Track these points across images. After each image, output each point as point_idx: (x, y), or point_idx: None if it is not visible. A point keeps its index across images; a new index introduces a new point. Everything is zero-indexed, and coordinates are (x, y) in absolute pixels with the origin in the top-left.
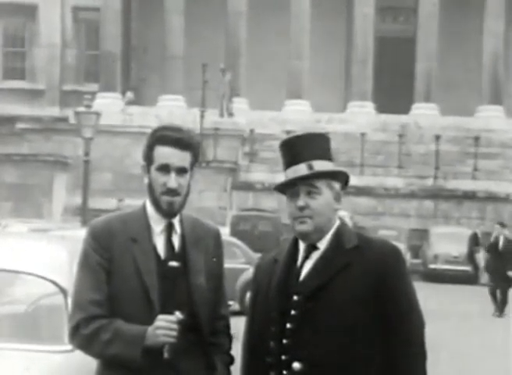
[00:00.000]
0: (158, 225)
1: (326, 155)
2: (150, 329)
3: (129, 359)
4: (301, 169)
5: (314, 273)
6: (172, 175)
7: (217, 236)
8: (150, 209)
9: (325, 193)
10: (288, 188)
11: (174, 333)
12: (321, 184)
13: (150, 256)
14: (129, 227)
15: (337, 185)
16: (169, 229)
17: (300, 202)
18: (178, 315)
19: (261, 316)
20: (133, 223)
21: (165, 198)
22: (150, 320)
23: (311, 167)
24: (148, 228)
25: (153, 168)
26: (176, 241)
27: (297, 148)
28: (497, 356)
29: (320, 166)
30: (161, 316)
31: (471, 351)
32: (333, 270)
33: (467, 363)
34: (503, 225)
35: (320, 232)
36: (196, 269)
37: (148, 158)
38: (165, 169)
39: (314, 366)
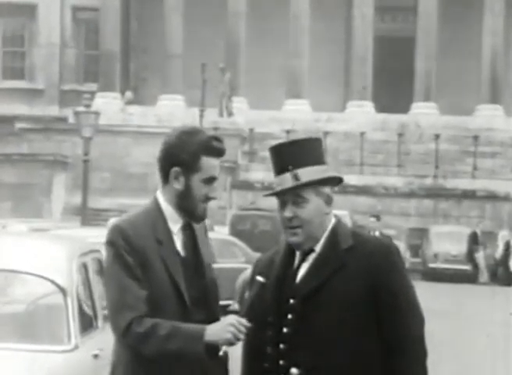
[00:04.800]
0: (174, 225)
1: (314, 160)
2: (214, 325)
3: (192, 353)
4: (286, 180)
5: (310, 276)
6: (215, 186)
7: (206, 228)
8: (167, 210)
9: (313, 200)
10: (277, 197)
11: (241, 336)
12: (308, 193)
13: (175, 257)
14: (154, 228)
15: (327, 189)
16: (189, 228)
17: (287, 213)
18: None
19: (258, 320)
20: (156, 224)
21: (202, 206)
22: (184, 320)
23: (296, 177)
24: (168, 229)
25: (197, 177)
26: (189, 239)
27: (282, 156)
28: (497, 355)
29: (306, 173)
30: (234, 316)
31: (470, 350)
32: (329, 272)
33: (466, 362)
34: (378, 218)
35: (312, 239)
36: (207, 265)
37: (191, 166)
38: (211, 180)
39: (312, 371)
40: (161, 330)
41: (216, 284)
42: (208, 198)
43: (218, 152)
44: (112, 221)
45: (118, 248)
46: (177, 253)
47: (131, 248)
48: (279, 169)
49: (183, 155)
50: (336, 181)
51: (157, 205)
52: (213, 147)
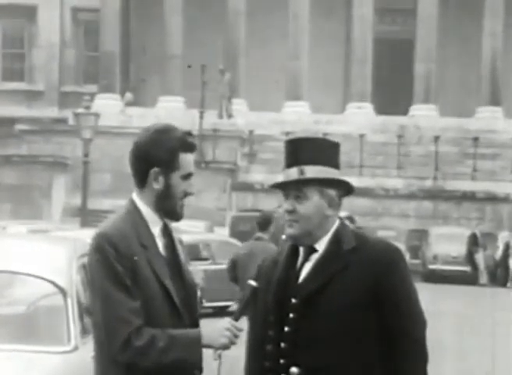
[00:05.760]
0: (155, 227)
1: (324, 161)
2: (208, 329)
3: (190, 361)
4: (292, 174)
5: (312, 276)
6: (192, 181)
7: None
8: (147, 213)
9: (315, 199)
10: (281, 190)
11: (236, 341)
12: (311, 190)
13: (161, 260)
14: (138, 233)
15: (332, 192)
16: (167, 230)
17: (287, 206)
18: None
19: (260, 319)
20: (139, 229)
21: (181, 203)
22: (177, 323)
23: (301, 172)
24: (150, 233)
25: (177, 175)
26: (168, 241)
27: (294, 150)
28: (496, 356)
29: (312, 171)
30: (229, 320)
31: (470, 352)
32: (331, 273)
33: (466, 363)
34: (352, 220)
35: (310, 236)
36: (186, 266)
37: (171, 164)
38: (189, 176)
39: (312, 371)
40: (159, 342)
41: (195, 285)
42: (186, 194)
43: (193, 147)
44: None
45: (106, 256)
46: (161, 256)
47: (120, 255)
48: (289, 163)
49: (161, 155)
50: (344, 186)
51: (136, 209)
52: (188, 142)
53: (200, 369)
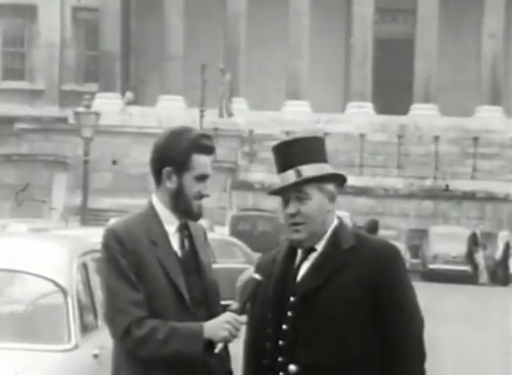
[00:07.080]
0: (170, 226)
1: (316, 158)
2: (210, 322)
3: (191, 353)
4: (290, 177)
5: (311, 274)
6: (207, 183)
7: (205, 231)
8: (162, 211)
9: (316, 197)
10: (279, 195)
11: (237, 334)
12: (311, 189)
13: (172, 257)
14: (149, 230)
15: (329, 186)
16: (185, 229)
17: (291, 209)
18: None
19: (258, 317)
20: (150, 226)
21: (196, 203)
22: (187, 321)
23: (299, 174)
24: (164, 230)
25: (189, 175)
26: (186, 239)
27: (285, 153)
28: (496, 356)
29: (308, 170)
30: (230, 313)
31: (470, 351)
32: (329, 271)
33: (466, 363)
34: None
35: (314, 237)
36: (207, 265)
37: (182, 164)
38: (203, 178)
39: (310, 368)
40: (159, 333)
41: (217, 285)
42: (201, 196)
43: (208, 149)
44: (109, 223)
45: (112, 251)
46: (174, 254)
47: (125, 251)
48: (283, 167)
49: (174, 155)
50: (339, 180)
51: (151, 207)
52: (203, 144)
53: (205, 364)
